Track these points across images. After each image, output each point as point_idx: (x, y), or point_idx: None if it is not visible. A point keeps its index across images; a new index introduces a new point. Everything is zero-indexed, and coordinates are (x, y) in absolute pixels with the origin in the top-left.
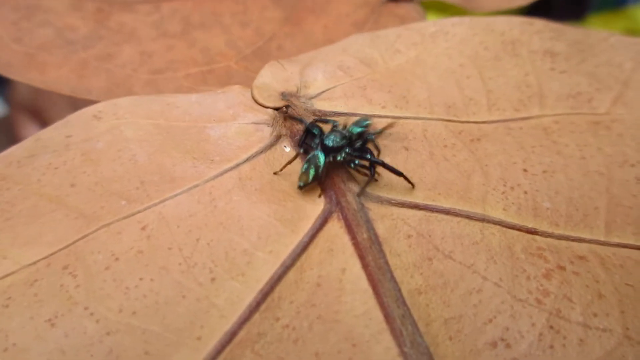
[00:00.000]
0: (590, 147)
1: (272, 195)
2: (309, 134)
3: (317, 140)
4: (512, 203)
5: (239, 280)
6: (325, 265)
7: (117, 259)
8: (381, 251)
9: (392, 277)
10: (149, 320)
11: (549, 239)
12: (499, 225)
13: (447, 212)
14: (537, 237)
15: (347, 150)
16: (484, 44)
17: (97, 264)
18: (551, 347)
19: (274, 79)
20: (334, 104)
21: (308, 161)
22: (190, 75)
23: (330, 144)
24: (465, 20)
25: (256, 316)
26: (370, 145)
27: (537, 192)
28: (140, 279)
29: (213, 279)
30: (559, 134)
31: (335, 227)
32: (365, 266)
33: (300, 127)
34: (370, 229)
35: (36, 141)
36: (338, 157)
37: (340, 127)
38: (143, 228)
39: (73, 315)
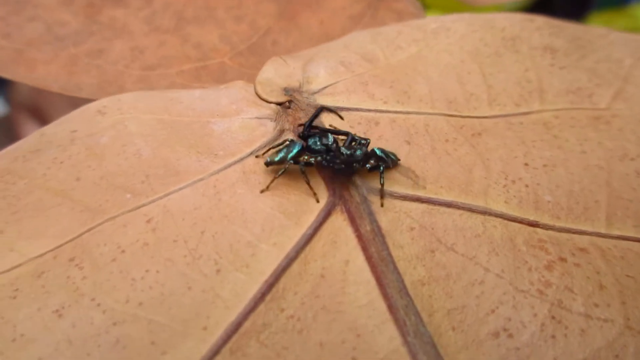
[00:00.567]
0: (590, 142)
1: (276, 188)
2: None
3: (319, 142)
4: (514, 196)
5: (244, 272)
6: (329, 257)
7: (123, 251)
8: (384, 243)
9: (395, 269)
10: (155, 311)
11: (550, 232)
12: (501, 217)
13: (449, 205)
14: (539, 230)
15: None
16: (484, 40)
17: (103, 256)
18: (553, 337)
19: (276, 74)
20: (336, 99)
21: (286, 145)
22: (183, 71)
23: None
24: (466, 16)
25: (261, 307)
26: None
27: (538, 185)
28: (146, 270)
29: (218, 271)
30: (560, 129)
31: (339, 220)
32: (368, 258)
33: (304, 121)
34: (373, 221)
35: (41, 136)
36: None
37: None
38: (148, 221)
39: (80, 306)
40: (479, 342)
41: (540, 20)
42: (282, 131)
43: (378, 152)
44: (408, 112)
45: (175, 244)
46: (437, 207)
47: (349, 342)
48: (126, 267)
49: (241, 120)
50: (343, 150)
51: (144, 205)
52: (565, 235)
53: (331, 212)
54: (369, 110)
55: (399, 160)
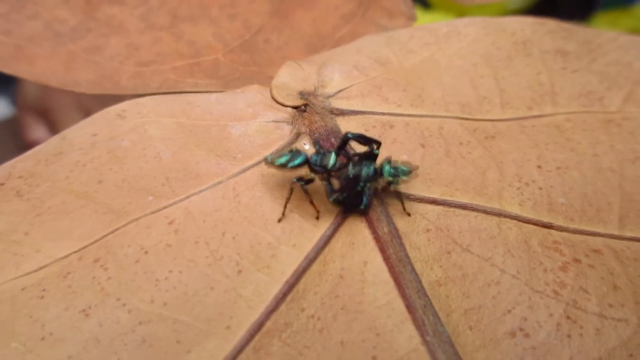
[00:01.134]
0: (602, 145)
1: (295, 191)
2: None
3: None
4: (528, 198)
5: (265, 273)
6: (348, 258)
7: (146, 252)
8: (401, 244)
9: (413, 270)
10: (179, 311)
11: (564, 233)
12: (516, 219)
13: (464, 207)
14: (553, 231)
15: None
16: (496, 44)
17: (127, 257)
18: (568, 336)
19: (292, 78)
20: (350, 103)
21: (293, 152)
22: (176, 68)
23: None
24: (477, 20)
25: (282, 307)
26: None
27: (552, 188)
28: (170, 271)
29: (240, 271)
30: (572, 132)
31: (356, 222)
32: (386, 259)
33: (319, 125)
34: (391, 223)
35: (62, 140)
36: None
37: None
38: (170, 223)
39: (106, 306)
40: (496, 342)
41: (551, 23)
42: (298, 134)
43: (386, 170)
44: (422, 115)
45: (197, 245)
46: (452, 209)
47: (369, 341)
48: (150, 267)
49: (258, 123)
50: (348, 171)
51: (165, 207)
52: (579, 237)
53: (349, 215)
54: (383, 114)
55: (411, 170)
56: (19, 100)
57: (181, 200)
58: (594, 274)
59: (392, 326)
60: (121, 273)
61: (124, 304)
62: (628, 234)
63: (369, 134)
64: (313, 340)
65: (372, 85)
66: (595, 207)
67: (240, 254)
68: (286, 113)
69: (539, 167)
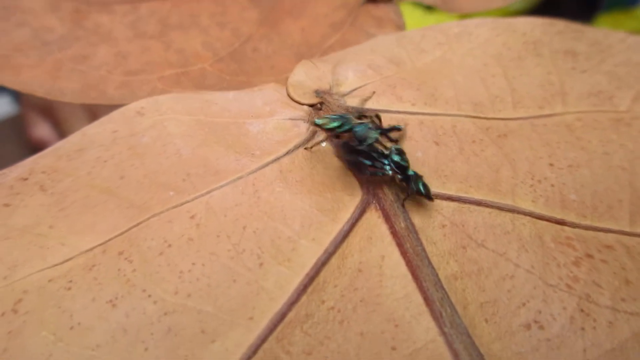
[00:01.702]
0: (612, 143)
1: (312, 186)
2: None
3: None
4: (540, 195)
5: (286, 266)
6: (365, 252)
7: (169, 245)
8: (418, 239)
9: (430, 264)
10: (203, 302)
11: (576, 229)
12: (529, 216)
13: (478, 203)
14: (566, 228)
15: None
16: (507, 45)
17: (151, 250)
18: (582, 329)
19: (307, 77)
20: (365, 102)
21: (345, 119)
22: (164, 77)
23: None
24: (488, 21)
25: (303, 298)
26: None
27: (564, 185)
28: (193, 263)
29: (261, 264)
30: (583, 131)
31: (374, 217)
32: (403, 253)
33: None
34: (407, 218)
35: (83, 136)
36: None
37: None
38: (192, 217)
39: (132, 297)
40: (512, 333)
41: (560, 24)
42: (314, 132)
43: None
44: (435, 114)
45: (219, 238)
46: (466, 206)
47: (388, 332)
48: (173, 260)
49: (275, 121)
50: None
51: (187, 202)
52: (591, 233)
53: (366, 210)
54: (398, 112)
55: (430, 197)
56: (23, 98)
57: (202, 195)
58: (607, 269)
59: (410, 318)
60: (145, 265)
61: (149, 295)
62: (639, 230)
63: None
64: (334, 331)
65: (386, 84)
66: (606, 204)
67: (261, 247)
68: (302, 111)
69: (551, 165)
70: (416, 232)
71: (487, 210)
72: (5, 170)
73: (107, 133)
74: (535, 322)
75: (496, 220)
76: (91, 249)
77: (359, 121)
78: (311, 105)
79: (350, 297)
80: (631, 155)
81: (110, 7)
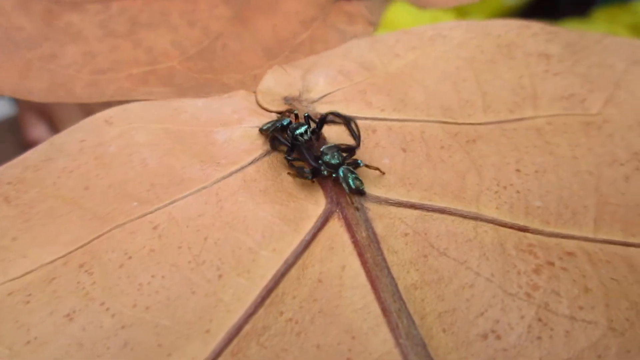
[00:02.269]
0: (581, 147)
1: (276, 196)
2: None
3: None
4: (505, 202)
5: (245, 277)
6: (326, 262)
7: (130, 257)
8: (379, 249)
9: (389, 273)
10: (161, 315)
11: (539, 236)
12: (492, 223)
13: (442, 211)
14: (528, 235)
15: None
16: (480, 47)
17: (111, 262)
18: (539, 338)
19: (277, 83)
20: (334, 108)
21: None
22: (131, 75)
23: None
24: (463, 23)
25: (261, 311)
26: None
27: (529, 191)
28: (153, 276)
29: (220, 276)
30: (552, 135)
31: (336, 226)
32: (364, 263)
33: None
34: (369, 227)
35: (51, 145)
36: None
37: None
38: (154, 228)
39: (90, 311)
40: (468, 344)
41: (536, 26)
42: None
43: (341, 171)
44: (404, 120)
45: (180, 250)
46: (430, 214)
47: (344, 344)
48: (134, 272)
49: (243, 129)
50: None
51: (150, 212)
52: (554, 240)
53: (329, 219)
54: (366, 119)
55: (362, 192)
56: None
57: (165, 205)
58: (567, 277)
59: (368, 329)
60: (105, 278)
61: (108, 308)
62: (602, 236)
63: (351, 140)
64: (290, 343)
65: (356, 89)
66: (571, 210)
67: (222, 258)
68: (270, 118)
69: (518, 170)
70: (378, 241)
71: (450, 218)
72: None
73: (75, 142)
74: (493, 331)
75: (459, 228)
76: (52, 262)
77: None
78: (280, 113)
79: (309, 308)
80: (599, 160)
81: (82, 6)
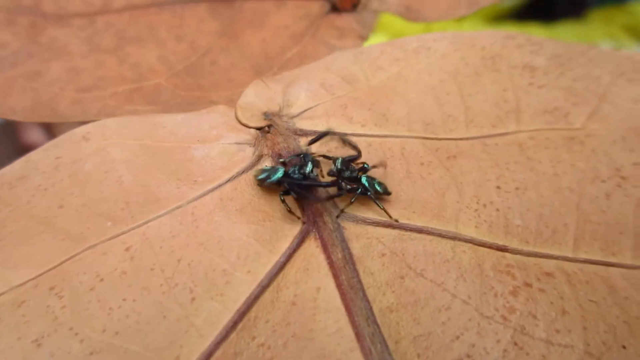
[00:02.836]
0: (563, 164)
1: (252, 215)
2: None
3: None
4: (484, 220)
5: (218, 300)
6: (301, 285)
7: (101, 279)
8: (355, 270)
9: (364, 296)
10: (131, 340)
11: (518, 256)
12: (470, 243)
13: (420, 230)
14: (507, 254)
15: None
16: (464, 60)
17: (82, 284)
18: None
19: (257, 98)
20: (314, 123)
21: (270, 169)
22: (117, 93)
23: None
24: (448, 35)
25: (233, 335)
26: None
27: (509, 209)
28: (124, 299)
29: (193, 299)
30: (534, 150)
31: (312, 247)
32: (338, 285)
33: (282, 146)
34: (345, 248)
35: (27, 162)
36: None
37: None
38: (127, 249)
39: (59, 336)
40: None
41: (521, 37)
42: (260, 156)
43: (364, 180)
44: (385, 136)
45: (152, 272)
46: (408, 233)
47: None
48: (104, 296)
49: (221, 145)
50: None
51: (123, 233)
52: (532, 260)
53: (305, 239)
54: (346, 134)
55: (389, 193)
56: None
57: (139, 225)
58: (544, 299)
59: (341, 354)
60: (75, 301)
61: (76, 334)
62: (582, 255)
63: (331, 154)
64: None
65: (337, 104)
66: (551, 228)
67: (195, 281)
68: (249, 134)
69: (498, 187)
70: (353, 263)
71: (429, 237)
72: None
73: (51, 159)
74: (468, 356)
75: (437, 248)
76: (23, 284)
77: (293, 162)
78: (259, 129)
79: (282, 332)
80: (581, 176)
81: (67, 21)
